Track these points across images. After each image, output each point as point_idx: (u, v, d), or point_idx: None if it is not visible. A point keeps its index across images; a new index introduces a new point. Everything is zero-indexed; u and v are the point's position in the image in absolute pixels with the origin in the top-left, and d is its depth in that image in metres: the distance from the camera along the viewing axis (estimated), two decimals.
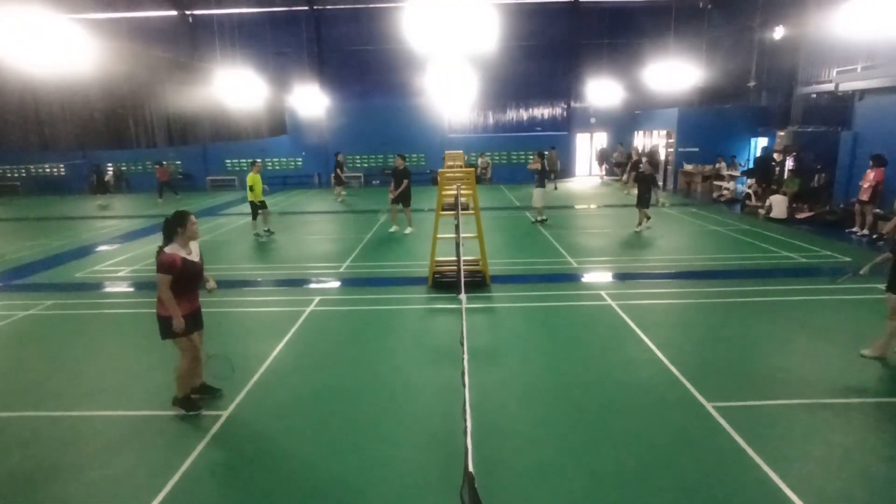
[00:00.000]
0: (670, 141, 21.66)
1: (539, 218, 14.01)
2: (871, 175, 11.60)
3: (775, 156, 16.39)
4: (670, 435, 4.31)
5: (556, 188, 21.58)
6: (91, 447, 4.32)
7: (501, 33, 10.52)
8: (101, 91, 8.35)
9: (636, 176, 12.95)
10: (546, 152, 15.97)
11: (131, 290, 9.00)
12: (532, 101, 26.19)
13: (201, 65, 21.78)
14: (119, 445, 4.33)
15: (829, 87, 14.80)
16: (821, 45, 16.79)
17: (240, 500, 3.67)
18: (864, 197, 11.72)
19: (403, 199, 12.89)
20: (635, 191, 12.95)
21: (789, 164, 15.85)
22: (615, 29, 24.87)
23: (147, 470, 3.99)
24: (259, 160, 13.64)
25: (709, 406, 4.70)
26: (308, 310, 7.54)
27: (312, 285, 8.93)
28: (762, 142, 19.59)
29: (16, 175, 26.17)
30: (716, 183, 18.58)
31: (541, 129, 26.09)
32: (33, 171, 26.28)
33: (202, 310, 4.90)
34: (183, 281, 4.49)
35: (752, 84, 20.85)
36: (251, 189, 12.49)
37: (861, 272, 5.78)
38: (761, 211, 14.35)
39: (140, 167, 26.02)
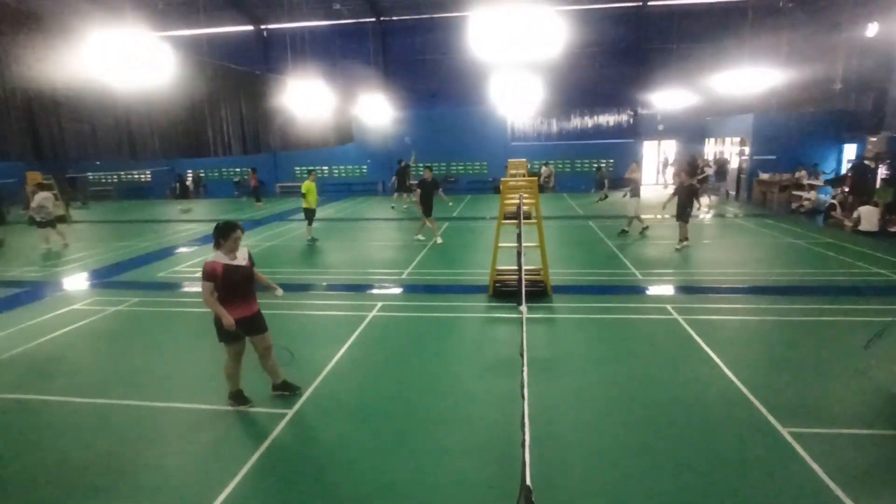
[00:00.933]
0: (744, 148, 20.57)
1: (635, 227, 13.56)
2: None
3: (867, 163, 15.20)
4: (738, 460, 4.08)
5: (605, 197, 20.99)
6: (168, 436, 4.62)
7: (566, 40, 10.39)
8: (183, 103, 8.96)
9: (677, 188, 11.85)
10: (634, 163, 15.38)
11: None
12: (597, 108, 25.66)
13: (274, 76, 22.94)
14: (193, 436, 4.62)
15: None
16: None
17: (299, 499, 3.81)
18: None
19: (426, 208, 13.12)
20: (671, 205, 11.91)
21: (882, 172, 14.65)
22: (685, 32, 23.97)
23: (217, 462, 4.23)
24: (315, 169, 14.22)
25: (783, 431, 4.42)
26: (370, 315, 7.73)
27: (375, 291, 9.15)
28: (850, 148, 18.22)
29: (109, 181, 28.53)
30: (795, 193, 17.44)
31: (607, 136, 25.49)
32: (124, 177, 28.56)
33: (262, 312, 5.04)
34: (229, 286, 4.64)
35: (838, 87, 19.42)
36: (305, 196, 13.04)
37: None
38: (848, 223, 13.33)
39: (216, 174, 27.67)
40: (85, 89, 6.81)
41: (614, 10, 24.46)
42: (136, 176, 28.57)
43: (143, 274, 10.73)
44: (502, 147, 25.06)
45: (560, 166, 25.51)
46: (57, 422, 4.94)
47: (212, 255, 4.67)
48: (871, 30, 17.07)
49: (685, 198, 11.45)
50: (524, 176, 15.01)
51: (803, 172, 17.97)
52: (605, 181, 21.93)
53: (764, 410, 4.75)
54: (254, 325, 4.91)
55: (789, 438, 4.30)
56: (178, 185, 24.97)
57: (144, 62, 7.77)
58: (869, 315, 7.12)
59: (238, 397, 5.08)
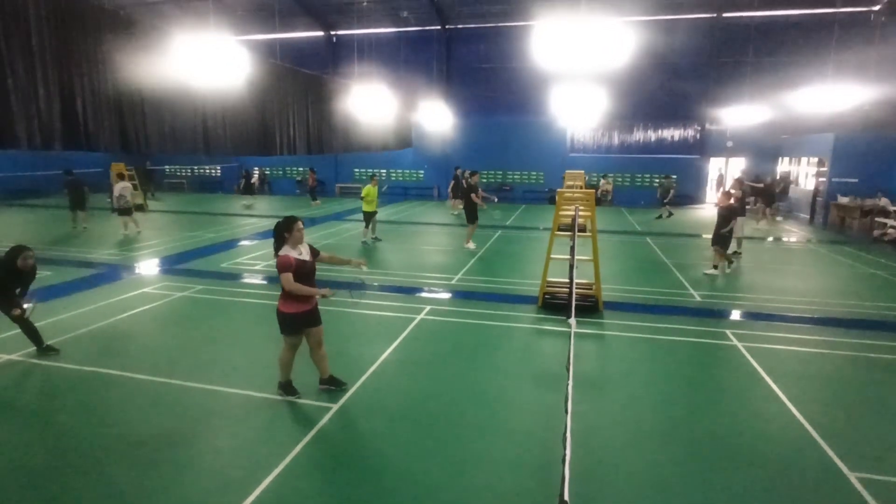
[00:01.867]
0: (822, 170, 19.37)
1: (734, 250, 12.44)
2: None
3: None
4: (797, 502, 3.82)
5: (670, 214, 20.13)
6: (222, 418, 4.84)
7: (632, 51, 10.17)
8: (255, 103, 9.42)
9: (720, 209, 10.65)
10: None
11: (265, 282, 9.96)
12: (662, 122, 24.88)
13: (340, 81, 23.69)
14: (245, 421, 4.81)
15: None
16: None
17: (337, 494, 3.88)
18: None
19: (467, 214, 13.27)
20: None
21: None
22: (761, 45, 22.85)
23: (265, 447, 4.38)
24: (376, 174, 14.51)
25: (851, 476, 4.10)
26: (419, 317, 7.80)
27: (425, 294, 9.22)
28: None
29: (183, 174, 30.30)
30: (878, 219, 16.24)
31: (671, 151, 24.68)
32: (196, 171, 30.24)
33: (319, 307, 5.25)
34: (297, 279, 4.84)
35: None
36: (365, 199, 13.39)
37: None
38: None
39: (280, 172, 28.80)
40: (168, 89, 7.29)
41: (687, 22, 23.67)
42: (208, 171, 30.19)
43: (207, 263, 11.30)
44: (560, 158, 24.75)
45: (619, 180, 24.90)
46: (122, 396, 5.28)
47: (282, 250, 4.88)
48: None
49: (721, 220, 10.49)
50: (581, 188, 14.74)
51: (885, 199, 16.71)
52: (670, 196, 21.01)
53: (830, 452, 4.43)
54: (312, 318, 5.12)
55: (858, 485, 3.99)
56: (242, 180, 26.15)
57: (223, 64, 8.24)
58: None
59: (288, 388, 5.26)
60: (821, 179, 19.51)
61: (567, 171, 18.77)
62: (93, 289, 9.10)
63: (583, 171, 19.57)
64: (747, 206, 13.79)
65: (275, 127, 10.85)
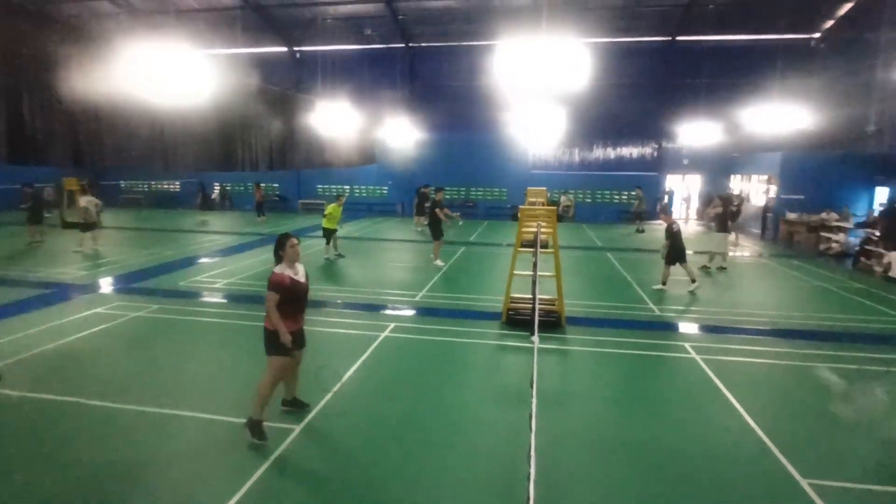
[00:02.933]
0: (771, 187, 20.30)
1: (719, 265, 13.04)
2: None
3: None
4: None
5: (642, 230, 20.78)
6: (177, 445, 4.64)
7: (593, 71, 10.47)
8: (216, 118, 9.26)
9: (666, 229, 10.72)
10: (717, 198, 14.35)
11: (225, 301, 9.68)
12: (621, 140, 25.67)
13: (303, 97, 23.52)
14: (201, 447, 4.62)
15: None
16: None
17: None
18: None
19: (434, 231, 13.27)
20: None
21: None
22: (714, 68, 23.96)
23: (223, 473, 4.21)
24: (344, 195, 14.29)
25: (803, 483, 4.24)
26: (383, 335, 7.72)
27: (388, 311, 9.14)
28: (882, 192, 17.84)
29: (140, 189, 29.31)
30: (823, 234, 17.08)
31: (630, 168, 25.45)
32: (154, 186, 29.32)
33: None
34: (289, 300, 4.71)
35: (871, 129, 19.14)
36: (327, 216, 13.24)
37: None
38: (878, 269, 12.97)
39: (242, 187, 28.25)
40: (124, 102, 7.09)
41: (643, 44, 24.64)
42: (166, 186, 29.32)
43: (165, 282, 10.91)
44: (522, 175, 25.12)
45: (580, 196, 25.45)
46: (71, 423, 5.00)
47: (278, 267, 4.75)
48: None
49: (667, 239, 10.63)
50: (543, 204, 14.99)
51: (832, 214, 17.61)
52: (642, 213, 21.65)
53: (784, 460, 4.58)
54: (300, 339, 4.99)
55: (810, 491, 4.13)
56: (201, 196, 25.54)
57: (183, 78, 8.07)
58: None
59: (258, 429, 4.70)
60: (770, 196, 20.43)
61: (529, 188, 19.07)
62: (41, 309, 8.64)
63: (545, 188, 19.91)
64: (711, 224, 14.18)
65: (237, 142, 10.66)
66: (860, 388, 6.20)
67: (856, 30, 20.85)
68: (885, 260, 12.74)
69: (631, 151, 25.76)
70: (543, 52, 9.93)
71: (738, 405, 5.63)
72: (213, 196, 27.81)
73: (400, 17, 24.70)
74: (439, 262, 13.10)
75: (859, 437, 5.08)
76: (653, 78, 24.77)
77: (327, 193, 26.82)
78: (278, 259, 4.80)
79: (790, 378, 6.58)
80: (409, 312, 9.13)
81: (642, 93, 24.90)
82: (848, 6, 21.18)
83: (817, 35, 23.12)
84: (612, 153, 25.90)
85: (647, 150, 25.64)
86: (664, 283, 10.83)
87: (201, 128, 8.76)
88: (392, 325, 8.19)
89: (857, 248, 14.99)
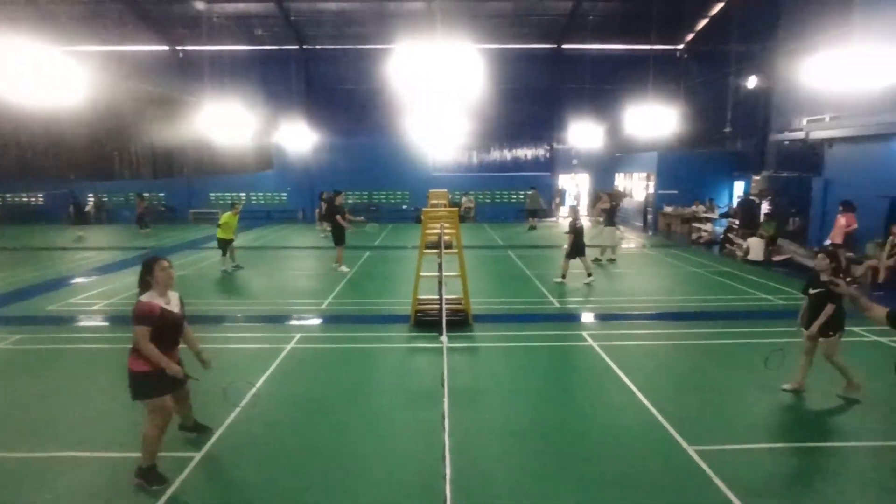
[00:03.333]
0: (650, 183, 22.21)
1: (609, 257, 14.02)
2: (841, 220, 11.95)
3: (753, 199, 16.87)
4: (653, 479, 4.26)
5: (534, 228, 21.85)
6: (57, 490, 4.11)
7: (487, 76, 10.84)
8: (86, 121, 8.36)
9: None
10: (605, 194, 15.46)
11: (106, 324, 8.78)
12: (516, 142, 26.82)
13: (190, 99, 22.00)
14: (85, 489, 4.14)
15: (801, 135, 15.41)
16: (791, 95, 17.56)
17: None
18: (837, 240, 12.03)
19: (337, 237, 13.00)
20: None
21: (765, 207, 16.32)
22: (596, 75, 25.78)
23: None
24: (239, 203, 13.58)
25: (690, 450, 4.67)
26: (288, 347, 7.41)
27: (294, 322, 8.81)
28: (739, 185, 20.19)
29: None
30: (694, 225, 18.98)
31: (525, 169, 26.63)
32: (10, 199, 25.91)
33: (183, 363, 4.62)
34: (160, 333, 4.09)
35: (727, 130, 21.62)
36: (222, 226, 12.52)
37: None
38: (739, 253, 14.66)
39: (122, 198, 25.82)
40: None
41: (532, 51, 25.93)
42: (26, 199, 26.02)
43: (30, 307, 9.67)
44: (424, 177, 25.38)
45: (481, 197, 26.21)
46: None
47: (145, 296, 4.11)
48: (752, 82, 19.26)
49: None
50: (445, 206, 15.24)
51: (700, 207, 19.64)
52: (536, 211, 22.77)
53: (673, 431, 5.01)
54: (177, 379, 4.29)
55: (696, 457, 4.56)
56: (73, 208, 22.98)
57: (40, 76, 7.20)
58: (760, 337, 7.79)
59: (152, 475, 4.16)
60: (650, 192, 22.36)
61: (431, 190, 19.27)
62: None
63: (446, 190, 20.22)
64: (600, 220, 15.20)
65: (112, 148, 9.72)
66: (732, 360, 6.96)
67: (712, 43, 23.47)
68: (745, 245, 14.44)
69: (526, 153, 27.00)
70: (438, 57, 10.11)
71: (631, 385, 6.09)
72: (88, 209, 25.13)
73: (292, 18, 23.93)
74: (344, 268, 12.84)
75: (732, 404, 5.70)
76: (543, 83, 26.14)
77: (221, 202, 25.28)
78: (145, 286, 4.14)
79: (674, 356, 7.24)
80: (316, 321, 8.86)
81: (534, 97, 26.18)
82: (704, 22, 23.76)
83: (682, 46, 25.70)
84: (508, 155, 26.97)
85: (541, 152, 27.02)
86: (564, 277, 11.46)
87: (67, 133, 7.83)
88: (298, 336, 7.90)
89: (721, 237, 16.85)
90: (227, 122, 17.85)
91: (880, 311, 3.56)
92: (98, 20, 22.69)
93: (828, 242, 12.21)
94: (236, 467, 4.48)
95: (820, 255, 5.79)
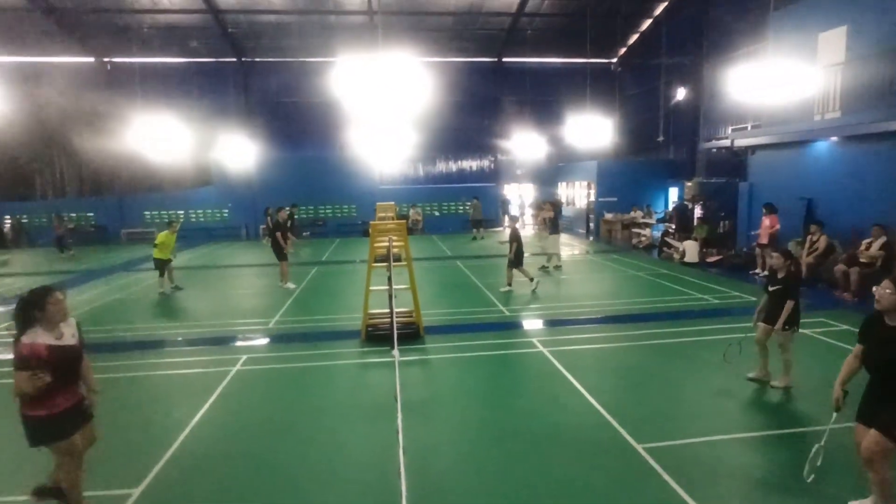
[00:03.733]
0: (591, 191, 22.99)
1: (556, 264, 14.18)
2: (766, 221, 12.81)
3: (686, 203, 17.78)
4: (606, 480, 4.36)
5: (481, 237, 22.07)
6: None
7: (431, 89, 10.92)
8: (7, 138, 7.81)
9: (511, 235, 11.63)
10: (548, 203, 15.86)
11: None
12: (462, 154, 27.20)
13: (120, 113, 20.94)
14: None
15: (726, 143, 16.42)
16: (717, 105, 18.73)
17: None
18: (763, 241, 12.88)
19: (278, 253, 12.72)
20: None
21: (698, 211, 17.22)
22: (537, 87, 26.60)
23: None
24: (176, 221, 13.03)
25: (639, 447, 4.82)
26: (234, 369, 7.13)
27: (239, 343, 8.48)
28: (674, 191, 21.22)
29: None
30: (634, 230, 19.78)
31: (471, 180, 26.98)
32: None
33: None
34: (56, 370, 3.59)
35: (660, 139, 22.76)
36: (158, 246, 11.94)
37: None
38: (676, 256, 15.37)
39: (43, 219, 24.15)
40: None
41: (474, 65, 26.43)
42: None
43: None
44: (371, 190, 25.22)
45: (428, 209, 26.30)
46: None
47: (27, 335, 3.55)
48: (681, 93, 20.39)
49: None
50: (393, 219, 15.21)
51: (638, 212, 20.49)
52: (480, 221, 22.96)
53: (623, 431, 5.16)
54: (80, 416, 3.86)
55: (645, 454, 4.70)
56: None
57: None
58: (699, 335, 8.19)
59: None
60: (591, 199, 23.13)
61: (378, 203, 19.21)
62: None
63: (394, 203, 20.23)
64: (545, 230, 15.49)
65: (33, 165, 9.10)
66: (674, 357, 7.26)
67: (643, 57, 24.73)
68: (681, 248, 15.16)
69: (471, 164, 27.41)
70: (381, 70, 10.11)
71: (581, 387, 6.23)
72: (5, 230, 23.36)
73: (230, 30, 23.35)
74: (290, 285, 12.51)
75: (676, 400, 5.95)
76: (486, 95, 26.67)
77: (157, 220, 24.10)
78: (28, 323, 3.58)
79: (620, 357, 7.48)
80: (263, 341, 8.58)
81: (478, 109, 26.66)
82: (635, 37, 25.00)
83: (616, 60, 26.90)
84: (454, 166, 27.29)
85: (485, 163, 27.50)
86: (510, 285, 11.63)
87: None
88: (244, 358, 7.61)
89: (659, 241, 17.64)
90: (161, 137, 17.13)
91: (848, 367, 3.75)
92: (18, 30, 21.31)
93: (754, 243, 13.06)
94: (182, 501, 4.24)
95: (776, 255, 6.14)
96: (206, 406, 5.96)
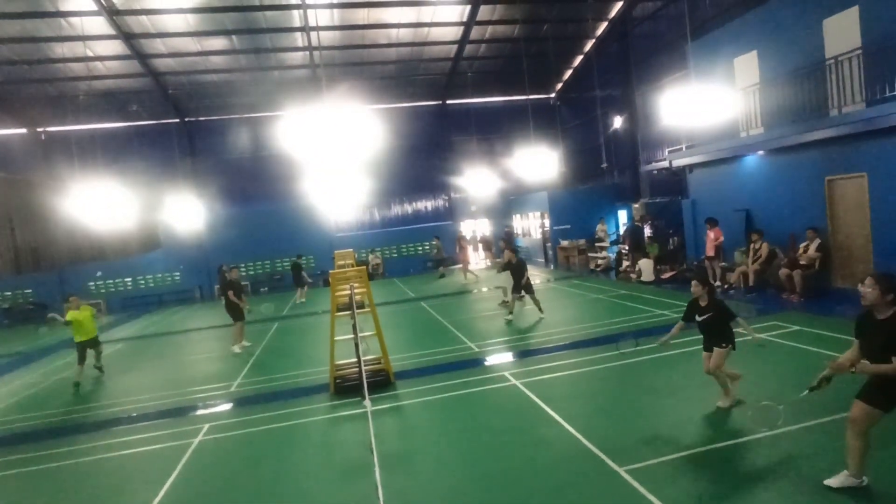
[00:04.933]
0: (545, 221, 23.53)
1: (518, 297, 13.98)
2: (710, 234, 13.40)
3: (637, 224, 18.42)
4: None
5: (444, 276, 22.17)
6: None
7: (380, 135, 11.05)
8: None
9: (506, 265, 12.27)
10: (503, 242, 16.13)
11: None
12: (415, 195, 27.51)
13: (56, 183, 20.18)
14: None
15: (665, 164, 17.25)
16: (652, 130, 19.74)
17: None
18: (710, 253, 13.44)
19: (233, 313, 11.95)
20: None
21: (647, 231, 17.86)
22: (482, 125, 27.42)
23: None
24: (76, 296, 11.02)
25: (621, 471, 4.79)
26: (196, 440, 6.73)
27: (200, 411, 8.05)
28: (623, 214, 21.98)
29: None
30: (590, 255, 20.26)
31: (427, 220, 27.19)
32: None
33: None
34: None
35: (604, 165, 23.70)
36: (73, 328, 10.29)
37: (660, 342, 6.18)
38: (633, 275, 15.79)
39: None
40: None
41: (420, 108, 27.10)
42: None
43: None
44: (327, 239, 24.96)
45: (387, 253, 26.21)
46: None
47: None
48: (618, 121, 21.43)
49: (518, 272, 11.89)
50: (352, 266, 15.05)
51: (603, 226, 21.05)
52: (443, 259, 23.17)
53: (603, 455, 5.12)
54: None
55: (627, 476, 4.67)
56: None
57: None
58: (664, 351, 8.30)
59: None
60: (545, 229, 23.64)
61: (337, 251, 19.01)
62: None
63: (352, 250, 20.07)
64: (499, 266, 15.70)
65: None
66: (644, 377, 7.34)
67: (579, 90, 26.02)
68: (637, 268, 15.61)
69: (426, 204, 27.70)
70: (328, 120, 10.18)
71: (557, 416, 6.19)
72: None
73: (170, 91, 23.15)
74: (245, 343, 12.00)
75: (650, 419, 5.98)
76: (434, 137, 27.27)
77: (103, 291, 22.99)
78: None
79: (592, 382, 7.52)
80: (226, 407, 8.17)
81: (428, 151, 27.16)
82: (569, 72, 26.30)
83: (553, 95, 28.14)
84: (409, 208, 27.50)
85: (440, 202, 27.86)
86: (511, 313, 12.00)
87: None
88: (206, 427, 7.21)
89: (615, 262, 18.12)
90: (103, 204, 16.53)
91: (845, 360, 3.99)
92: None
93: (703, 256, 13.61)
94: None
95: (693, 283, 5.91)
96: (167, 485, 5.56)
